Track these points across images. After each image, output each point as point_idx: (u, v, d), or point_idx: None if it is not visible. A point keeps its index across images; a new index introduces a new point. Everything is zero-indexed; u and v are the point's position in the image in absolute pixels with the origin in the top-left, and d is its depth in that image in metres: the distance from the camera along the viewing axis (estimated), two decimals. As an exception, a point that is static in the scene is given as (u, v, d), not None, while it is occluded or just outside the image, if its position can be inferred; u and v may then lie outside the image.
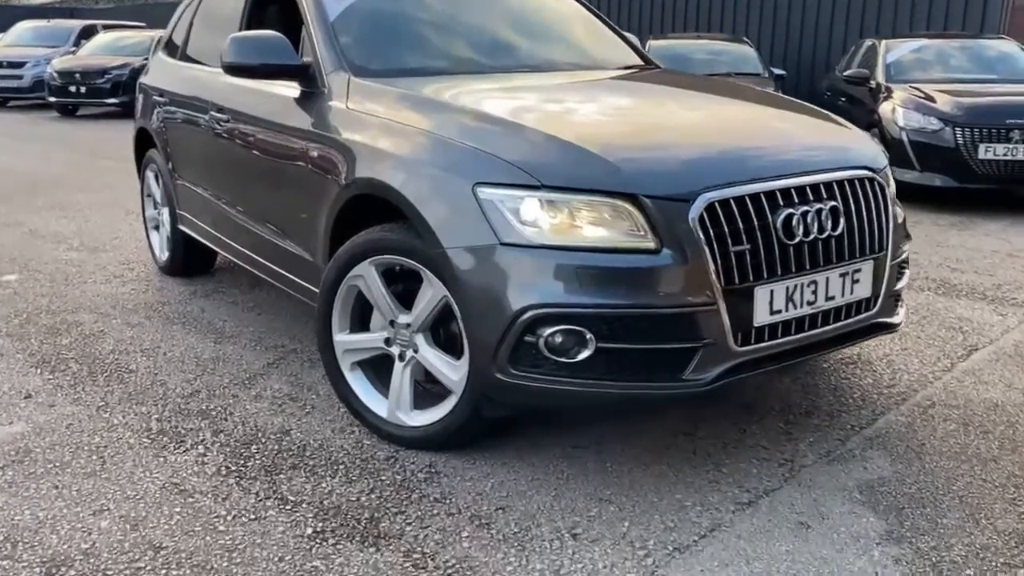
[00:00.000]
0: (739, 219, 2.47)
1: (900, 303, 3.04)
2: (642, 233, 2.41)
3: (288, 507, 2.57)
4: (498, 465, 2.80)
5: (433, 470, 2.77)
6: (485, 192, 2.49)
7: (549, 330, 2.41)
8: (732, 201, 2.47)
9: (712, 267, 2.42)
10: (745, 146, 2.70)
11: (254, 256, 3.84)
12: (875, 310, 2.84)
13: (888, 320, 2.93)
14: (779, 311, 2.55)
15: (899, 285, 2.97)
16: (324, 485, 2.69)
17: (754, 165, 2.59)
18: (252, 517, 2.52)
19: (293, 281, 3.50)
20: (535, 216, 2.43)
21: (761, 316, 2.52)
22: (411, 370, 2.87)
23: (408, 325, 2.83)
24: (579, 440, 2.95)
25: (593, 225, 2.43)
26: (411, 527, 2.46)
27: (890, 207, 2.85)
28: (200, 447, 2.94)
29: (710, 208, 2.44)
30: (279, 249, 3.54)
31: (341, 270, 2.92)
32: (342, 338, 2.99)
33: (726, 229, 2.45)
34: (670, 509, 2.54)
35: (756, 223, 2.50)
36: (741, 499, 2.59)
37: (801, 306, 2.60)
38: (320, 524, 2.48)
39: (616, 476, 2.72)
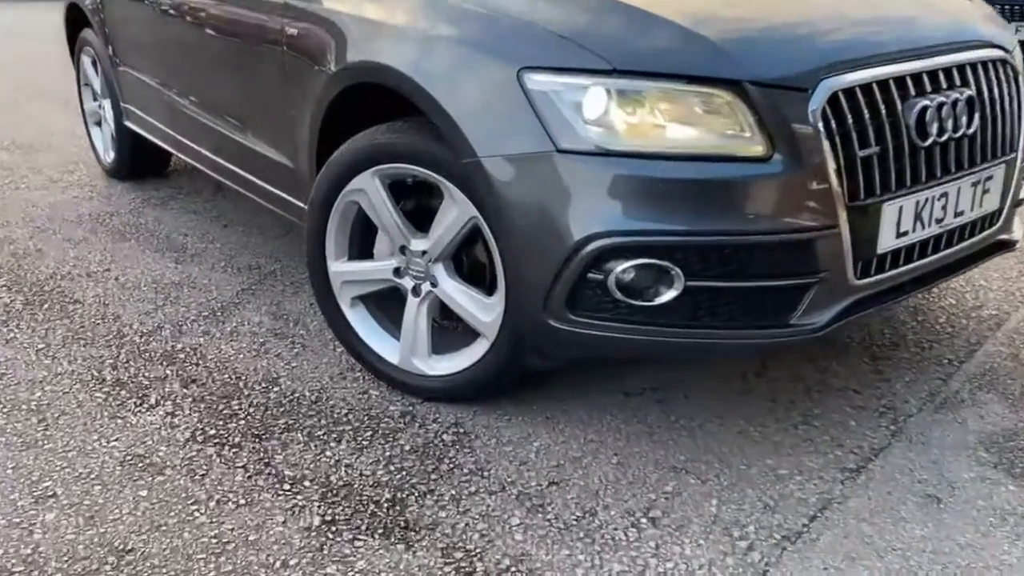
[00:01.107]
0: (867, 114, 1.90)
1: (1015, 215, 2.52)
2: (747, 134, 1.82)
3: (286, 487, 2.03)
4: (539, 422, 2.28)
5: (461, 430, 2.25)
6: (535, 80, 1.87)
7: (622, 265, 1.85)
8: (858, 90, 1.89)
9: (835, 178, 1.85)
10: (870, 19, 2.10)
11: (218, 160, 3.19)
12: (998, 225, 2.32)
13: (1008, 237, 2.41)
14: (905, 232, 2.01)
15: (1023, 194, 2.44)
16: (328, 454, 2.15)
17: (879, 42, 1.99)
18: (241, 502, 1.98)
19: (267, 191, 2.87)
20: (604, 112, 1.83)
21: (886, 240, 1.98)
22: (428, 307, 2.30)
23: (424, 253, 2.24)
24: (630, 384, 2.44)
25: (681, 124, 1.84)
26: (446, 513, 1.94)
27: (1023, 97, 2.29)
28: (168, 403, 2.38)
29: (833, 100, 1.85)
30: (250, 152, 2.89)
31: (336, 182, 2.31)
32: (340, 267, 2.40)
33: (852, 127, 1.88)
34: (764, 480, 2.05)
35: (886, 119, 1.92)
36: (847, 463, 2.11)
37: (928, 225, 2.06)
38: (329, 510, 1.95)
39: (687, 434, 2.22)
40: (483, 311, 2.19)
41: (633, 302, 1.88)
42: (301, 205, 2.70)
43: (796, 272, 1.89)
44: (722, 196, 1.82)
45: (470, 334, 2.32)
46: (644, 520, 1.92)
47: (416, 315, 2.31)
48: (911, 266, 2.08)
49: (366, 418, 2.31)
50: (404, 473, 2.08)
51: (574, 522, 1.91)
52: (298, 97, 2.50)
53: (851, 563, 1.79)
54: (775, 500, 1.98)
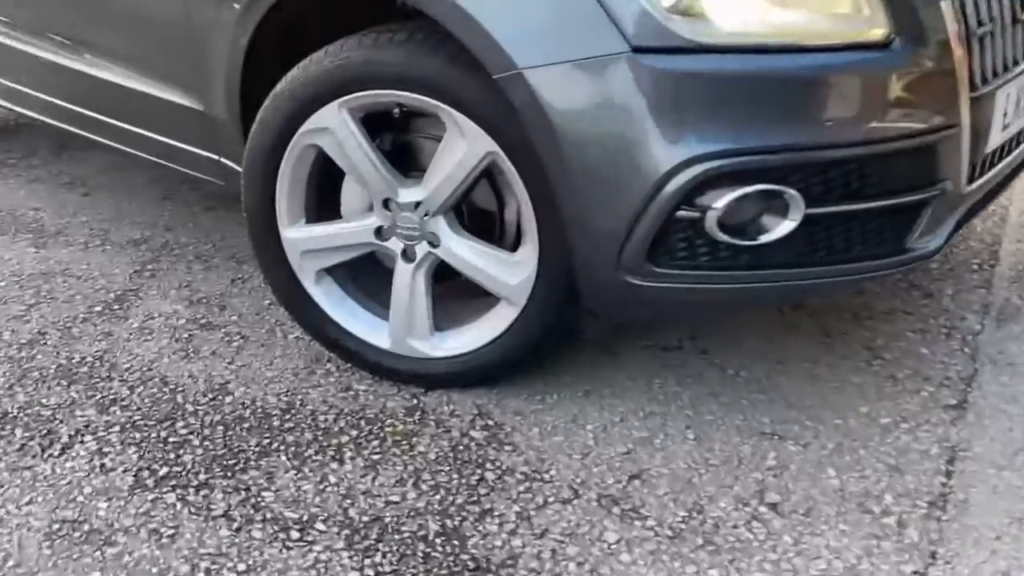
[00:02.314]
0: (981, -19, 1.55)
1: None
2: (865, 11, 1.42)
3: (294, 535, 1.52)
4: (580, 398, 1.85)
5: (490, 422, 1.79)
6: None
7: (725, 196, 1.43)
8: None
9: (960, 64, 1.50)
10: None
11: (79, 110, 2.47)
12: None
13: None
14: (1008, 124, 1.71)
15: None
16: (333, 479, 1.65)
17: None
18: (241, 568, 1.46)
19: (163, 146, 2.23)
20: (690, -2, 1.39)
21: (995, 134, 1.66)
22: (427, 273, 1.80)
23: (417, 205, 1.73)
24: (661, 337, 2.05)
25: (785, 7, 1.42)
26: (521, 540, 1.50)
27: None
28: (88, 439, 1.78)
29: (954, -35, 1.49)
30: (132, 97, 2.22)
31: (288, 122, 1.74)
32: (298, 233, 1.85)
33: None
34: (869, 435, 1.73)
35: (995, -13, 1.58)
36: (945, 399, 1.82)
37: (1020, 115, 1.76)
38: (366, 561, 1.47)
39: (756, 388, 1.87)
40: (508, 272, 1.72)
41: (738, 242, 1.47)
42: (218, 159, 2.11)
43: (917, 184, 1.53)
44: (845, 96, 1.43)
45: (479, 302, 1.85)
46: (763, 508, 1.56)
47: (412, 285, 1.80)
48: (1002, 165, 1.78)
49: (363, 423, 1.80)
50: (443, 492, 1.61)
51: (683, 526, 1.52)
52: (211, 14, 1.88)
53: (1021, 524, 1.51)
54: (895, 458, 1.67)
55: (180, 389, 1.93)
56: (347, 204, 1.86)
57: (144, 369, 2.00)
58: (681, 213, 1.45)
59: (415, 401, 1.87)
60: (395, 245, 1.79)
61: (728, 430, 1.75)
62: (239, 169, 2.03)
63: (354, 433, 1.77)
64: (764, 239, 1.47)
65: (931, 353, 1.98)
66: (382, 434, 1.77)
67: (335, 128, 1.71)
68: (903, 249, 1.57)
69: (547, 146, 1.48)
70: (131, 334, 2.14)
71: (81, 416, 1.84)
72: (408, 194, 1.74)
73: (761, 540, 1.49)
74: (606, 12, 1.38)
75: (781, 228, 1.46)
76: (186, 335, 2.13)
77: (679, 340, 2.03)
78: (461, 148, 1.64)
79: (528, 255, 1.69)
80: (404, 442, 1.74)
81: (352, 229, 1.82)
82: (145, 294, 2.32)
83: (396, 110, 1.71)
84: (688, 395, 1.86)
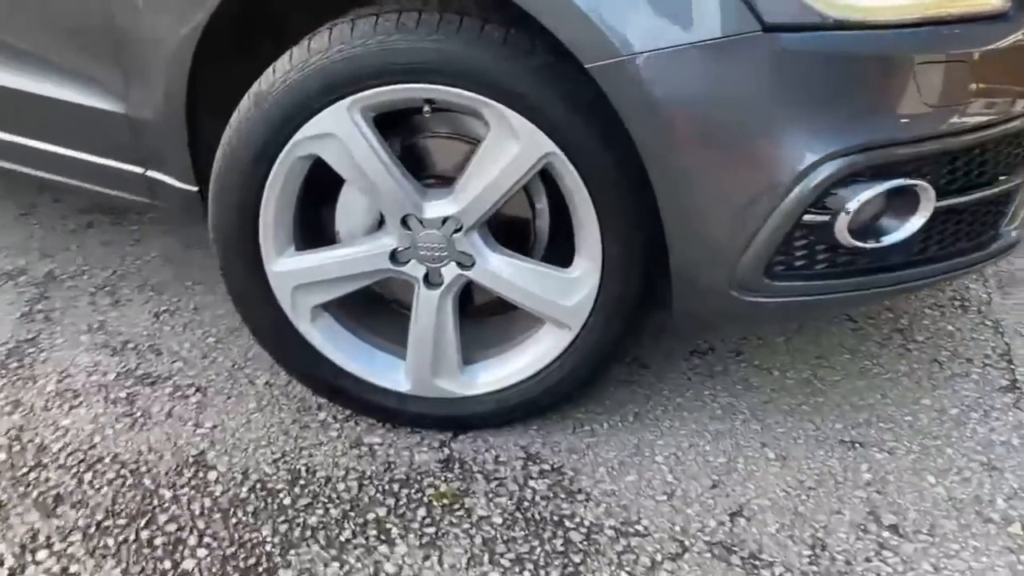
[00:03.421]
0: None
1: None
2: None
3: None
4: (631, 424, 1.63)
5: (545, 467, 1.53)
6: None
7: (862, 195, 1.24)
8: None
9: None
10: None
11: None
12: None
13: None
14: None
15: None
16: (393, 571, 1.34)
17: None
18: None
19: (68, 161, 1.76)
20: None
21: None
22: (454, 299, 1.51)
23: (444, 221, 1.43)
24: (685, 341, 1.85)
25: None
26: (648, 615, 1.27)
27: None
28: (44, 557, 1.36)
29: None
30: (22, 100, 1.73)
31: (279, 127, 1.38)
32: (288, 265, 1.49)
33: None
34: (945, 430, 1.62)
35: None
36: (997, 381, 1.75)
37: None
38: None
39: (810, 390, 1.71)
40: (562, 292, 1.46)
41: (864, 244, 1.29)
42: (143, 172, 1.69)
43: (1015, 169, 1.41)
44: (981, 73, 1.26)
45: (508, 325, 1.58)
46: (885, 533, 1.41)
47: (437, 315, 1.50)
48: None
49: (396, 487, 1.50)
50: (530, 567, 1.35)
51: (814, 568, 1.35)
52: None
53: None
54: (986, 454, 1.57)
55: (144, 469, 1.53)
56: (346, 224, 1.52)
57: (84, 447, 1.58)
58: (808, 217, 1.25)
59: (445, 450, 1.58)
60: (415, 270, 1.48)
61: (807, 443, 1.59)
62: (176, 184, 1.64)
63: (391, 502, 1.47)
64: (889, 239, 1.30)
65: (957, 330, 1.91)
66: (425, 499, 1.47)
67: (342, 133, 1.37)
68: (995, 238, 1.46)
69: (653, 144, 1.22)
70: (48, 401, 1.69)
71: (22, 525, 1.42)
72: (435, 208, 1.43)
73: (900, 571, 1.34)
74: (735, -18, 1.13)
75: (909, 226, 1.29)
76: (124, 395, 1.71)
77: (707, 343, 1.85)
78: (511, 151, 1.35)
79: (587, 272, 1.43)
80: (456, 506, 1.46)
81: (361, 254, 1.48)
82: (47, 344, 1.86)
83: (426, 108, 1.38)
84: (746, 406, 1.68)
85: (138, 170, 1.69)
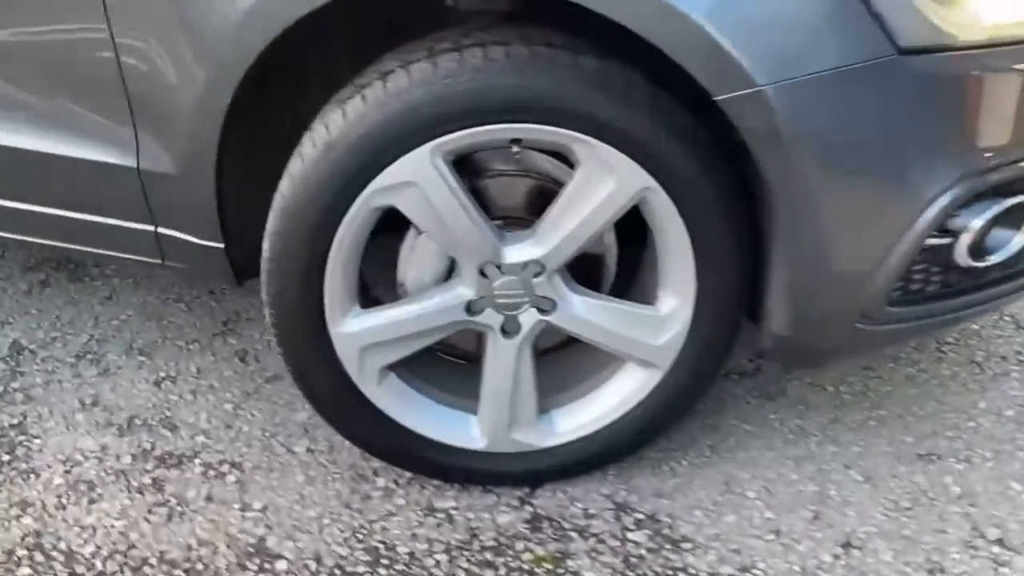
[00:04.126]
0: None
1: None
2: None
3: None
4: (708, 456, 1.57)
5: (639, 515, 1.45)
6: None
7: (985, 215, 1.21)
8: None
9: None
10: None
11: None
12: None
13: None
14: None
15: None
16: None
17: None
18: None
19: (66, 223, 1.54)
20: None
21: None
22: (532, 347, 1.40)
23: (525, 265, 1.32)
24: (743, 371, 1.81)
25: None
26: (801, 669, 1.21)
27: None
28: None
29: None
30: (13, 158, 1.50)
31: (350, 180, 1.24)
32: (355, 325, 1.35)
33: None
34: (1010, 432, 1.63)
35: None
36: (1037, 378, 1.79)
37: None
38: None
39: (871, 403, 1.68)
40: (652, 331, 1.38)
41: (979, 264, 1.26)
42: (154, 230, 1.50)
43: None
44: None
45: (579, 366, 1.49)
46: (995, 548, 1.40)
47: (516, 365, 1.40)
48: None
49: (489, 555, 1.38)
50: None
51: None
52: (175, 27, 1.28)
53: None
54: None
55: (201, 567, 1.36)
56: (413, 275, 1.39)
57: (122, 548, 1.39)
58: (932, 241, 1.21)
59: (528, 508, 1.47)
60: (490, 319, 1.37)
61: (886, 460, 1.57)
62: (196, 241, 1.47)
63: (489, 574, 1.35)
64: (997, 257, 1.28)
65: (982, 328, 1.94)
66: (524, 566, 1.37)
67: (423, 180, 1.24)
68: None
69: (781, 173, 1.16)
70: (61, 497, 1.49)
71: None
72: (516, 252, 1.32)
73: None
74: (868, 9, 1.08)
75: (1017, 241, 1.28)
76: (148, 481, 1.53)
77: (751, 361, 1.81)
78: (604, 188, 1.26)
79: (678, 308, 1.36)
80: (560, 570, 1.36)
81: (435, 308, 1.36)
82: (38, 429, 1.64)
83: (515, 149, 1.27)
84: (815, 427, 1.64)
85: (147, 228, 1.51)
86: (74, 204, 1.53)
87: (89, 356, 1.83)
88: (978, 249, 1.27)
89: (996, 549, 1.40)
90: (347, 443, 1.52)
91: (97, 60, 1.34)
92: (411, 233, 1.37)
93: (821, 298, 1.26)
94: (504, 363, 1.40)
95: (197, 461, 1.56)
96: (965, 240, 1.22)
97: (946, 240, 1.22)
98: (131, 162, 1.43)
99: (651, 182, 1.25)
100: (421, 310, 1.36)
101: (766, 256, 1.28)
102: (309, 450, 1.58)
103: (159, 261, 1.56)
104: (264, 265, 1.32)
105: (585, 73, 1.20)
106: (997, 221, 1.26)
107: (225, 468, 1.55)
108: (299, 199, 1.26)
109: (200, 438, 1.62)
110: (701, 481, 1.52)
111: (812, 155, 1.14)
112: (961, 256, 1.24)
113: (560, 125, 1.22)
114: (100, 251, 1.60)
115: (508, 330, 1.38)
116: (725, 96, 1.11)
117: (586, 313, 1.38)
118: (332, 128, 1.23)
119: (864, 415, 1.67)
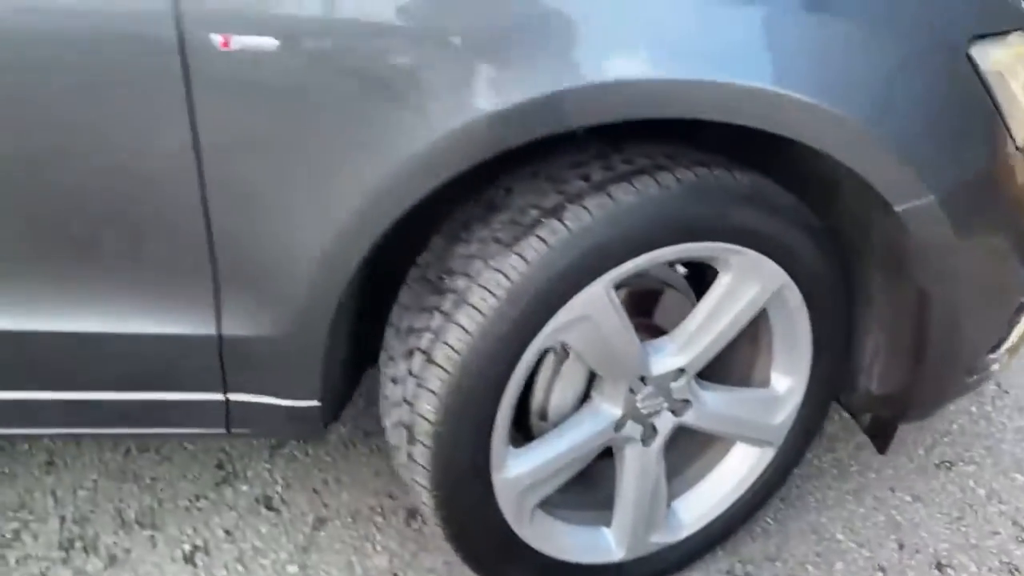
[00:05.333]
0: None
1: None
2: None
3: None
4: (802, 515, 1.66)
5: (763, 584, 1.52)
6: (989, 53, 1.19)
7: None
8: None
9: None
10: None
11: None
12: None
13: None
14: None
15: None
16: None
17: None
18: None
19: (128, 405, 1.27)
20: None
21: None
22: (664, 449, 1.41)
23: (665, 376, 1.33)
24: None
25: None
26: None
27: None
28: None
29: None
30: (66, 344, 1.19)
31: (527, 322, 1.16)
32: (518, 467, 1.27)
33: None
34: None
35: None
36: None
37: None
38: None
39: (917, 429, 1.84)
40: (771, 412, 1.44)
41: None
42: (224, 399, 1.29)
43: None
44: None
45: (680, 452, 1.52)
46: (1043, 540, 1.64)
47: (656, 467, 1.40)
48: None
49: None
50: None
51: (1033, 592, 1.53)
52: (305, 180, 1.11)
53: None
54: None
55: None
56: (555, 403, 1.33)
57: None
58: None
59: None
60: (632, 431, 1.36)
61: (920, 477, 1.76)
62: (283, 403, 1.31)
63: None
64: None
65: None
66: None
67: (597, 312, 1.20)
68: None
69: (937, 269, 1.26)
70: None
71: None
72: (663, 363, 1.32)
73: (1078, 569, 1.58)
74: (1000, 113, 1.21)
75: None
76: None
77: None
78: (751, 290, 1.30)
79: (792, 387, 1.44)
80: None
81: (590, 433, 1.31)
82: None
83: (681, 268, 1.26)
84: (846, 456, 1.79)
85: (215, 397, 1.29)
86: (114, 384, 1.27)
87: (78, 544, 1.53)
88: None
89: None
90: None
91: (180, 219, 1.13)
92: (551, 360, 1.30)
93: (942, 365, 1.39)
94: (642, 471, 1.38)
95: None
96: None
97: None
98: (209, 330, 1.22)
99: (787, 280, 1.31)
100: (574, 439, 1.31)
101: (888, 335, 1.40)
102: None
103: (222, 431, 1.35)
104: (429, 429, 1.19)
105: (743, 189, 1.22)
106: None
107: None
108: (477, 352, 1.15)
109: (289, 615, 1.43)
110: (794, 535, 1.62)
111: (969, 250, 1.26)
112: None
113: (721, 240, 1.23)
114: (141, 431, 1.34)
115: (646, 438, 1.37)
116: (905, 207, 1.19)
117: (716, 407, 1.40)
118: (512, 274, 1.14)
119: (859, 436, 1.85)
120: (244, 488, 1.66)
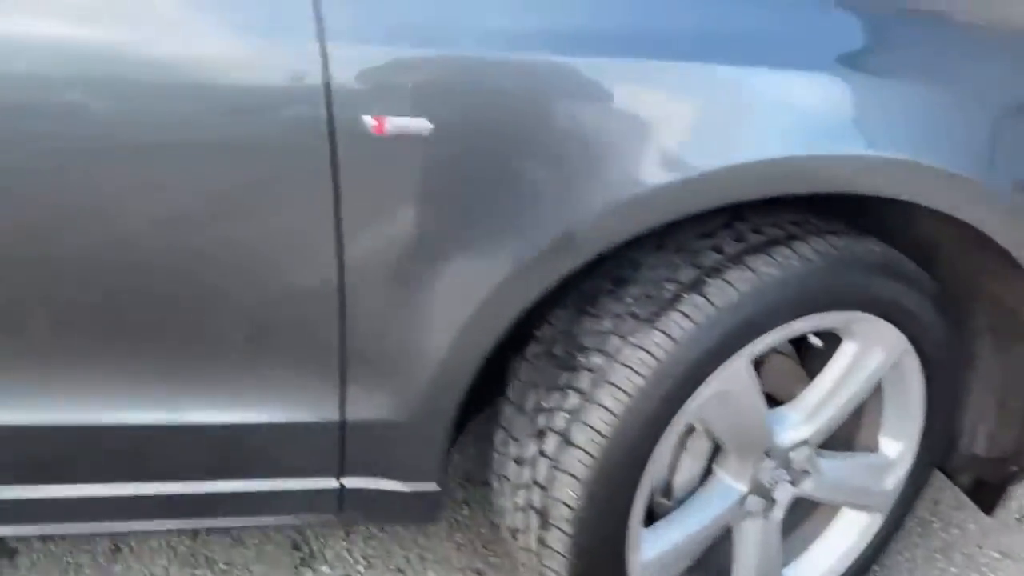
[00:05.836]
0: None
1: None
2: None
3: None
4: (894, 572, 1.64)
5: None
6: None
7: None
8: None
9: None
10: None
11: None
12: None
13: None
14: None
15: None
16: None
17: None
18: None
19: (241, 499, 1.21)
20: None
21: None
22: (780, 520, 1.38)
23: (793, 447, 1.30)
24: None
25: None
26: None
27: None
28: None
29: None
30: (169, 438, 1.12)
31: (674, 404, 1.13)
32: (655, 547, 1.23)
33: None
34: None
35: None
36: None
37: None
38: None
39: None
40: (883, 478, 1.42)
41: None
42: (338, 483, 1.24)
43: None
44: None
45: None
46: None
47: (775, 540, 1.37)
48: None
49: None
50: None
51: None
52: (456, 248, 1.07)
53: None
54: None
55: None
56: (680, 480, 1.29)
57: None
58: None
59: None
60: (754, 505, 1.32)
61: (1000, 529, 1.75)
62: (399, 488, 1.25)
63: None
64: None
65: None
66: None
67: (736, 387, 1.17)
68: None
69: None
70: None
71: None
72: (788, 435, 1.29)
73: None
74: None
75: None
76: None
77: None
78: (876, 357, 1.28)
79: (903, 451, 1.42)
80: None
81: (721, 511, 1.28)
82: None
83: (817, 341, 1.24)
84: (926, 512, 1.76)
85: (332, 484, 1.23)
86: (221, 473, 1.21)
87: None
88: None
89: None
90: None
91: (315, 304, 1.08)
92: (673, 433, 1.27)
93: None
94: (762, 544, 1.35)
95: None
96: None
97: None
98: (332, 416, 1.16)
99: (908, 345, 1.30)
100: (705, 516, 1.27)
101: (996, 397, 1.39)
102: None
103: (331, 515, 1.29)
104: (569, 514, 1.15)
105: (874, 258, 1.21)
106: None
107: None
108: (622, 434, 1.12)
109: None
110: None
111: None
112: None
113: (853, 309, 1.22)
114: (246, 521, 1.28)
115: (765, 511, 1.34)
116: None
117: (833, 475, 1.38)
118: (657, 352, 1.11)
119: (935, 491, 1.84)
120: (325, 570, 1.59)
